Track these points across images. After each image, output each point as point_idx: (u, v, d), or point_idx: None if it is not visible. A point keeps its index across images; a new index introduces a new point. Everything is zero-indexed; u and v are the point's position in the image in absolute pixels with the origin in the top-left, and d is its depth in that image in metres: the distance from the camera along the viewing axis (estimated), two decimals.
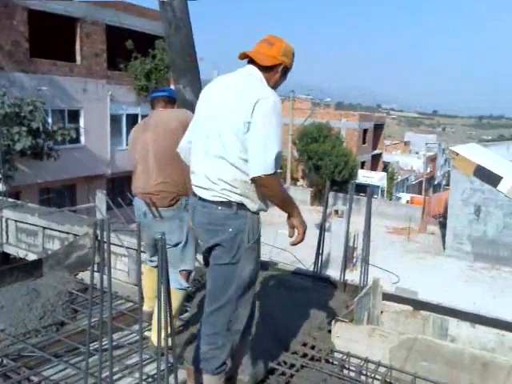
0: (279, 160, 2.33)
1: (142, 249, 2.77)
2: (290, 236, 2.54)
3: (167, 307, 2.24)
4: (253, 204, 2.41)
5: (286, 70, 2.51)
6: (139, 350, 2.41)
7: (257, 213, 2.45)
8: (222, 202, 2.38)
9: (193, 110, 3.34)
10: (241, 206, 2.39)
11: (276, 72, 2.48)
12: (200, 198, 2.45)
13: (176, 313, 3.22)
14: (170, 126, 3.22)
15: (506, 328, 3.62)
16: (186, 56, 3.54)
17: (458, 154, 17.47)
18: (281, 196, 2.43)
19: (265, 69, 2.44)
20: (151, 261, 3.49)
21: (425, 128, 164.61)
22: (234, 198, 2.37)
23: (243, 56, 2.47)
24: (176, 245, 3.22)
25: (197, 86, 3.53)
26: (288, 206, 2.47)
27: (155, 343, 3.10)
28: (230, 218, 2.38)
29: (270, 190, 2.36)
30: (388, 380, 3.19)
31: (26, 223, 6.24)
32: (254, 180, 2.31)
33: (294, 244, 2.53)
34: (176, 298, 3.09)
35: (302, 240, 2.52)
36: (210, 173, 2.39)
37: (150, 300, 3.49)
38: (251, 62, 2.47)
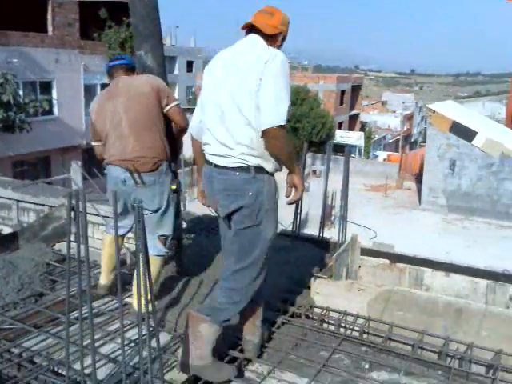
0: (288, 114, 2.44)
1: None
2: (287, 195, 2.64)
3: (146, 273, 2.23)
4: (269, 165, 2.51)
5: (283, 38, 2.67)
6: (120, 315, 2.41)
7: (272, 174, 2.56)
8: (240, 167, 2.46)
9: (152, 74, 3.33)
10: (258, 169, 2.48)
11: (276, 40, 2.62)
12: (216, 166, 2.53)
13: (155, 279, 3.21)
14: (143, 91, 3.15)
15: (479, 275, 3.72)
16: (150, 22, 3.43)
17: (434, 112, 17.60)
18: (288, 150, 2.54)
19: (267, 38, 2.57)
20: (120, 227, 3.34)
21: (402, 87, 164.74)
22: (252, 161, 2.46)
23: (247, 25, 2.61)
24: (157, 210, 3.20)
25: (159, 53, 3.46)
26: (292, 161, 2.58)
27: (136, 309, 3.11)
28: (248, 182, 2.47)
29: (280, 142, 2.44)
30: (366, 330, 3.27)
31: None
32: (265, 132, 2.39)
33: (291, 202, 2.67)
34: (154, 265, 3.07)
35: (299, 198, 2.67)
36: (227, 139, 2.47)
37: (109, 273, 3.47)
38: (252, 31, 2.59)
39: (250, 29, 2.61)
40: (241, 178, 2.47)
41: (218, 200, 2.58)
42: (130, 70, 3.37)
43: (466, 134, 16.64)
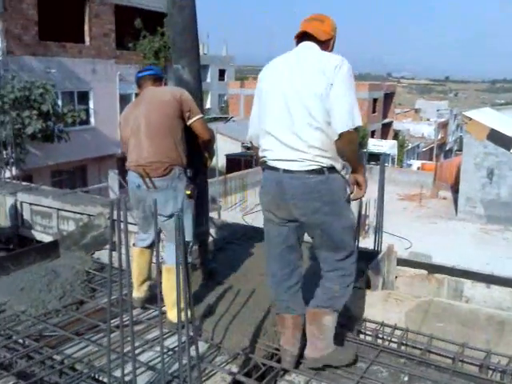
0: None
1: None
2: (351, 193, 2.80)
3: (185, 281, 2.26)
4: (339, 164, 2.62)
5: (333, 43, 2.77)
6: (159, 324, 2.45)
7: (341, 172, 2.66)
8: (313, 170, 2.54)
9: (187, 89, 3.41)
10: (331, 169, 2.57)
11: (328, 46, 2.74)
12: (286, 171, 2.58)
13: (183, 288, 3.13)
14: (163, 99, 3.24)
15: None
16: (188, 36, 3.49)
17: (471, 119, 17.24)
18: (356, 151, 2.72)
19: (320, 44, 2.69)
20: (142, 240, 3.47)
21: (436, 95, 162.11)
22: (325, 162, 2.55)
23: (301, 34, 2.71)
24: (171, 216, 3.17)
25: (195, 67, 3.58)
26: (358, 161, 2.74)
27: (172, 320, 3.14)
28: (323, 183, 2.56)
29: (354, 144, 2.63)
30: (404, 342, 3.22)
31: (41, 205, 6.30)
32: (341, 136, 2.50)
33: (355, 199, 2.84)
34: (174, 274, 3.02)
35: (363, 195, 2.83)
36: (298, 143, 2.54)
37: (140, 285, 3.50)
38: (304, 39, 2.69)
39: (302, 37, 2.71)
40: (316, 180, 2.55)
41: (293, 204, 2.62)
42: (158, 80, 3.46)
43: (505, 141, 16.24)
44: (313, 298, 2.87)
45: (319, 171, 2.54)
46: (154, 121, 3.22)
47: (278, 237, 2.80)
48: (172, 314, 3.18)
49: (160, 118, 3.21)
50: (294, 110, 2.55)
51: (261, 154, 2.75)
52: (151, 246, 3.49)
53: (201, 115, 3.34)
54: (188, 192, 3.22)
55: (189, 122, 3.29)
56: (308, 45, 2.68)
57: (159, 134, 3.20)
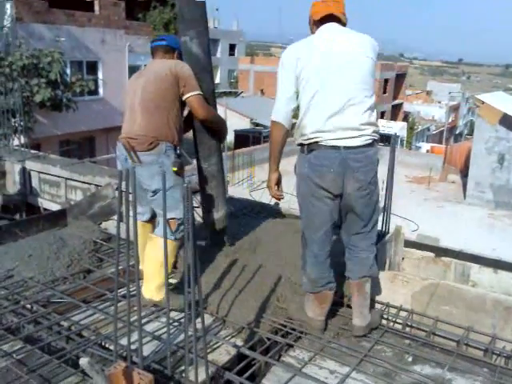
0: None
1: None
2: None
3: (195, 257, 2.25)
4: (377, 137, 2.83)
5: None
6: (166, 295, 2.45)
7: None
8: (370, 143, 2.74)
9: (198, 62, 3.30)
10: (376, 141, 2.79)
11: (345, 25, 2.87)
12: (346, 147, 2.69)
13: (168, 261, 3.00)
14: (161, 73, 3.16)
15: None
16: (196, 5, 3.35)
17: (483, 103, 17.00)
18: None
19: (343, 25, 2.84)
20: (141, 214, 3.37)
21: (449, 77, 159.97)
22: (375, 136, 2.78)
23: (327, 15, 2.80)
24: (155, 191, 3.14)
25: (204, 39, 3.36)
26: None
27: (143, 294, 3.08)
28: (376, 153, 2.80)
29: None
30: (409, 323, 3.23)
31: (49, 174, 6.31)
32: None
33: None
34: (160, 248, 2.80)
35: None
36: (358, 120, 2.69)
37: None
38: (329, 20, 2.79)
39: (325, 18, 2.79)
40: (372, 152, 2.77)
41: (354, 177, 2.73)
42: (170, 51, 3.36)
43: None
44: (348, 270, 3.05)
45: (372, 144, 2.76)
46: (149, 94, 3.15)
47: (327, 215, 2.86)
48: (145, 288, 3.14)
49: (154, 92, 3.14)
50: (353, 90, 2.67)
51: (310, 135, 2.74)
52: (152, 220, 3.45)
53: (197, 92, 3.19)
54: (174, 168, 3.13)
55: (184, 98, 3.19)
56: (337, 25, 2.79)
57: (151, 108, 3.13)
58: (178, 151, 3.26)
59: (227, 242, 3.81)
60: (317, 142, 2.73)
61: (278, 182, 3.06)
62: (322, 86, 2.69)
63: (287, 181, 3.25)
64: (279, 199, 3.12)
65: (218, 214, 3.67)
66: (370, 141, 2.74)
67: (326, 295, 3.02)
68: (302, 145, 2.83)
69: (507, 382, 2.64)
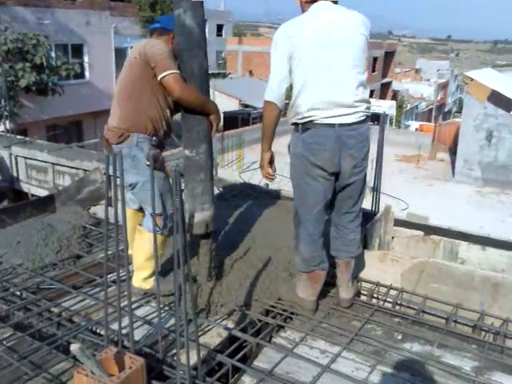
0: None
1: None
2: None
3: (184, 242, 2.23)
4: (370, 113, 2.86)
5: None
6: (156, 281, 2.45)
7: None
8: (363, 120, 2.77)
9: (191, 36, 3.03)
10: (368, 117, 2.82)
11: None
12: (341, 125, 2.70)
13: (151, 255, 2.88)
14: (131, 59, 2.96)
15: None
16: None
17: (472, 79, 17.01)
18: None
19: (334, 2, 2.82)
20: (132, 201, 3.30)
21: (438, 54, 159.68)
22: (368, 112, 2.80)
23: None
24: (131, 185, 3.02)
25: (199, 11, 3.15)
26: None
27: (134, 284, 3.08)
28: (367, 130, 2.83)
29: None
30: (399, 302, 3.26)
31: (36, 160, 6.24)
32: None
33: None
34: (148, 240, 2.90)
35: None
36: (352, 97, 2.70)
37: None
38: None
39: None
40: (366, 128, 2.81)
41: (350, 154, 2.75)
42: (164, 33, 3.13)
43: (505, 103, 16.08)
44: (336, 250, 3.11)
45: (365, 120, 2.79)
46: (120, 82, 3.02)
47: (322, 194, 2.88)
48: (135, 277, 3.13)
49: (124, 80, 2.98)
50: (348, 69, 2.68)
51: (305, 113, 2.73)
52: (142, 209, 3.33)
53: (170, 71, 2.84)
54: (147, 162, 2.90)
55: (158, 79, 2.87)
56: (329, 3, 2.77)
57: (123, 98, 2.98)
58: (154, 142, 3.04)
59: (211, 249, 3.18)
60: (312, 121, 2.73)
61: (271, 162, 3.05)
62: (315, 64, 2.68)
63: (277, 162, 3.22)
64: (271, 179, 3.11)
65: (204, 214, 3.06)
66: (363, 117, 2.77)
67: (318, 275, 3.04)
68: (296, 124, 2.82)
69: (496, 357, 2.68)
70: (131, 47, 20.11)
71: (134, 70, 2.94)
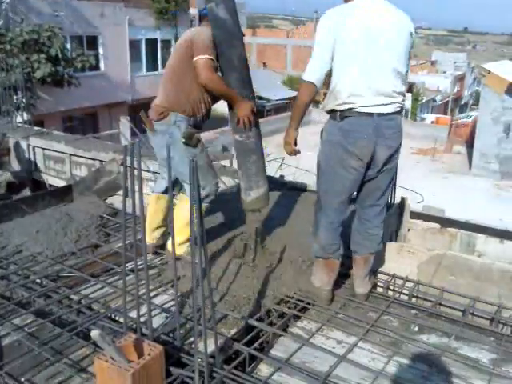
0: None
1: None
2: None
3: (200, 224, 2.24)
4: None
5: None
6: (173, 268, 2.47)
7: None
8: (399, 111, 2.83)
9: (225, 28, 3.11)
10: (403, 109, 2.90)
11: None
12: (379, 115, 2.74)
13: (188, 222, 3.07)
14: (180, 43, 3.21)
15: None
16: None
17: (489, 72, 16.78)
18: None
19: None
20: (160, 185, 3.52)
21: (454, 46, 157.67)
22: (404, 104, 2.89)
23: None
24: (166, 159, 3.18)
25: (231, 3, 3.19)
26: None
27: (168, 249, 3.25)
28: (401, 121, 2.91)
29: None
30: (415, 294, 3.25)
31: (53, 150, 6.32)
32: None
33: None
34: (187, 208, 3.03)
35: None
36: (391, 88, 2.74)
37: (153, 231, 3.51)
38: None
39: None
40: (400, 119, 2.88)
41: (386, 144, 2.79)
42: (205, 20, 3.25)
43: None
44: (356, 243, 3.11)
45: (400, 112, 2.85)
46: (169, 66, 3.25)
47: (349, 185, 2.90)
48: (170, 242, 3.14)
49: (171, 62, 3.23)
50: (386, 56, 2.69)
51: (345, 99, 2.73)
52: (166, 192, 3.47)
53: (204, 56, 2.98)
54: (183, 140, 3.15)
55: (192, 61, 3.03)
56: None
57: (167, 79, 3.22)
58: (192, 122, 3.22)
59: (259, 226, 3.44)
60: (351, 109, 2.74)
61: (295, 141, 3.03)
62: (360, 54, 2.68)
63: (291, 158, 3.22)
64: (295, 155, 3.08)
65: (259, 191, 3.31)
66: (399, 109, 2.82)
67: (334, 263, 3.06)
68: (333, 111, 2.82)
69: None
70: (146, 39, 20.15)
71: (179, 54, 3.16)
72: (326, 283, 3.08)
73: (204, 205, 3.24)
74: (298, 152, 3.05)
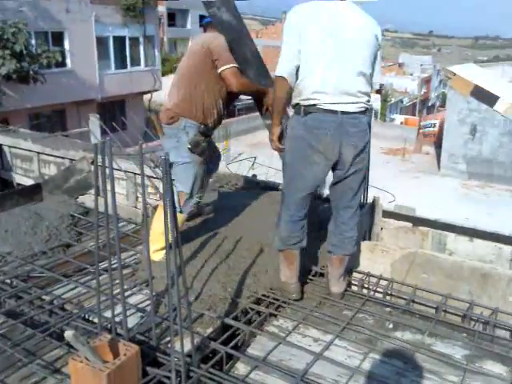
0: None
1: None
2: None
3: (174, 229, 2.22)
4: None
5: None
6: (147, 267, 2.43)
7: None
8: (364, 111, 2.82)
9: (231, 29, 3.25)
10: (368, 110, 2.88)
11: None
12: (343, 113, 2.75)
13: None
14: (193, 49, 3.25)
15: (503, 241, 3.70)
16: None
17: (455, 74, 17.18)
18: None
19: None
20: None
21: (420, 49, 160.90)
22: (368, 105, 2.87)
23: None
24: (171, 164, 3.18)
25: (231, 4, 3.26)
26: None
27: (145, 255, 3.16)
28: (367, 122, 2.88)
29: None
30: (389, 292, 3.30)
31: (20, 149, 6.16)
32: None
33: None
34: (160, 211, 3.18)
35: None
36: (356, 87, 2.75)
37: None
38: None
39: None
40: (366, 119, 2.85)
41: (352, 143, 2.79)
42: (210, 27, 3.41)
43: (488, 98, 16.28)
44: (332, 245, 3.11)
45: (365, 112, 2.83)
46: (180, 70, 3.29)
47: (311, 180, 2.91)
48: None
49: (184, 68, 3.26)
50: (351, 57, 2.70)
51: (309, 95, 2.75)
52: None
53: (230, 65, 3.15)
54: (189, 146, 3.20)
55: (218, 72, 3.16)
56: (350, 2, 2.79)
57: (179, 84, 3.25)
58: (203, 129, 3.23)
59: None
60: (315, 105, 2.75)
61: (280, 137, 3.05)
62: (326, 51, 2.69)
63: (264, 154, 3.25)
64: (281, 151, 3.10)
65: None
66: (364, 109, 2.83)
67: (292, 254, 3.08)
68: (298, 105, 2.83)
69: (485, 346, 2.73)
70: (114, 36, 19.81)
71: (193, 60, 3.20)
72: (289, 277, 3.11)
73: (185, 215, 3.35)
74: (283, 149, 3.06)
